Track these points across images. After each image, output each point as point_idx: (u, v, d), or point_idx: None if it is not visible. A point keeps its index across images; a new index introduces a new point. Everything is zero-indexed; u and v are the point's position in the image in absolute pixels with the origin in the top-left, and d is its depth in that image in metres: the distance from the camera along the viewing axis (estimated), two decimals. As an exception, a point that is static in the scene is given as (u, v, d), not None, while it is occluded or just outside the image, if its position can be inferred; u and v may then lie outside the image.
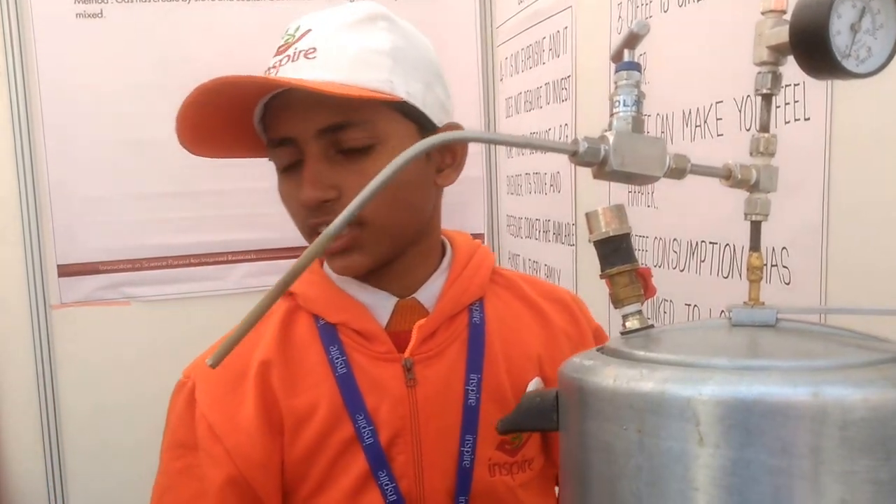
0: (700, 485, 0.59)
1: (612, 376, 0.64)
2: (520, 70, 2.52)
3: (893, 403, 0.59)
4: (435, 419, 1.03)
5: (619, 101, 0.66)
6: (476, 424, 1.03)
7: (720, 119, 1.50)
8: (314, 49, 0.96)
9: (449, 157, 1.05)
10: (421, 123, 1.00)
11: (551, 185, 2.29)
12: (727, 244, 1.48)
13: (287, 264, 2.11)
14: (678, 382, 0.61)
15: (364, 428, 1.00)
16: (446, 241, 1.12)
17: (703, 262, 1.55)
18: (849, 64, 0.65)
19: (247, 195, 2.13)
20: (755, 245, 0.72)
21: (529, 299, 1.14)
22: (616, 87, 0.66)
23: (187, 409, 1.04)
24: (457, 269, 1.08)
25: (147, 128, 2.09)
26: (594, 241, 0.74)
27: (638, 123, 0.67)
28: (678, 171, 0.68)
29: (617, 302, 0.74)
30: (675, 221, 1.64)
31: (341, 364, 1.01)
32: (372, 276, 1.04)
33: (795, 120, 1.29)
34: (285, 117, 0.97)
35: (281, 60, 0.98)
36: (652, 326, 0.74)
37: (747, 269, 0.72)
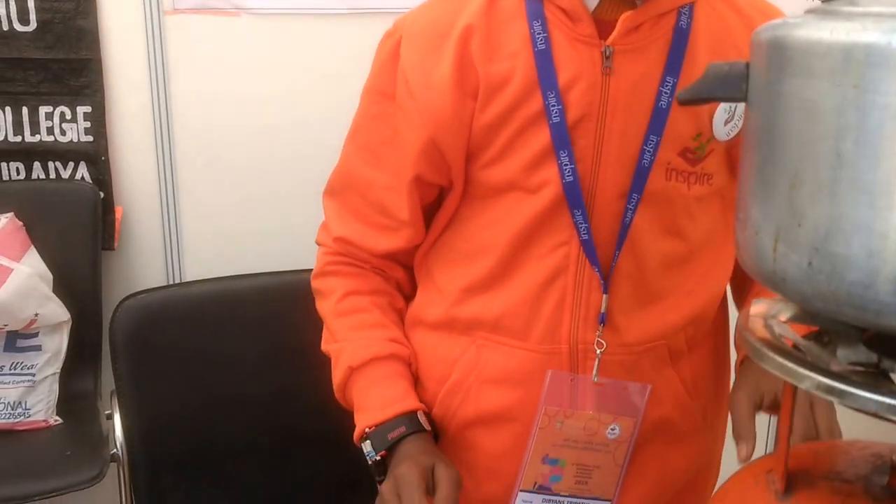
0: (918, 144, 0.55)
1: (827, 29, 0.58)
2: None
3: None
4: (623, 111, 1.03)
5: None
6: (663, 126, 1.03)
7: None
8: None
9: None
10: None
11: None
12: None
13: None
14: (908, 33, 0.55)
15: (553, 106, 1.02)
16: None
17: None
18: None
19: None
20: None
21: (743, 12, 1.09)
22: None
23: (391, 59, 1.10)
24: None
25: None
26: None
27: None
28: None
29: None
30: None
31: (541, 40, 1.02)
32: None
33: None
34: None
35: None
36: (860, -9, 0.67)
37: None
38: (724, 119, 1.06)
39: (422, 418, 1.11)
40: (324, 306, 1.21)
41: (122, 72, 2.04)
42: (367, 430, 1.09)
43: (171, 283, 2.11)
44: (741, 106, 0.94)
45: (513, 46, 1.04)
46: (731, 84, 0.68)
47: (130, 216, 2.10)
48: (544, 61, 1.02)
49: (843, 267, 0.58)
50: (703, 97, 0.70)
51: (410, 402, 1.12)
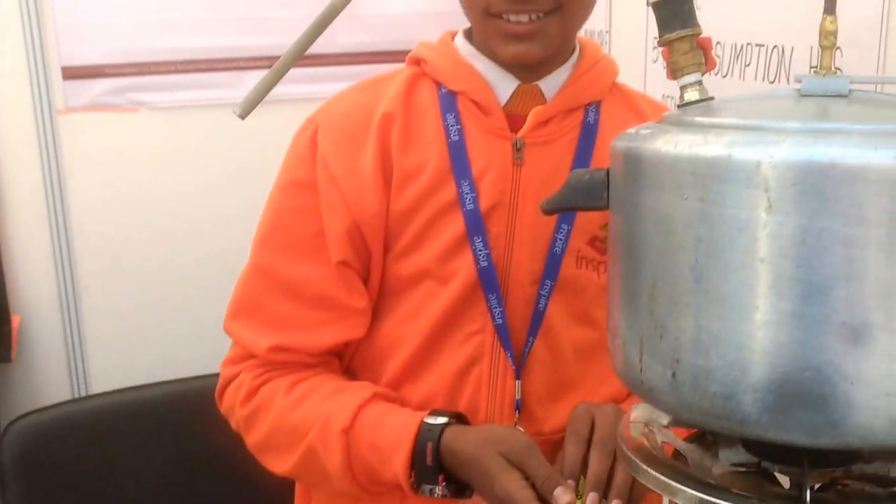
0: (766, 255, 0.55)
1: (672, 143, 0.59)
2: None
3: (979, 170, 0.54)
4: (534, 201, 1.04)
5: None
6: (574, 216, 1.06)
7: None
8: None
9: None
10: None
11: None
12: (775, 46, 1.40)
13: (301, 73, 2.03)
14: (747, 146, 0.56)
15: (467, 193, 1.04)
16: (577, 42, 1.12)
17: (747, 66, 1.48)
18: None
19: None
20: (830, 7, 0.65)
21: (642, 113, 1.14)
22: None
23: (309, 150, 1.08)
24: (583, 67, 1.10)
25: None
26: (652, 3, 0.67)
27: None
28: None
29: (676, 71, 0.68)
30: (719, 23, 1.55)
31: (455, 132, 1.05)
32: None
33: None
34: None
35: None
36: (713, 98, 0.68)
37: (820, 35, 0.66)
38: None
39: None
40: (266, 419, 1.08)
41: (14, 175, 1.99)
42: (407, 463, 0.98)
43: (75, 395, 2.04)
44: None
45: (427, 137, 1.06)
46: (593, 193, 0.68)
47: (29, 325, 2.03)
48: (458, 151, 1.05)
49: (705, 378, 0.58)
50: (566, 206, 0.70)
51: (422, 414, 1.02)
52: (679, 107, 0.68)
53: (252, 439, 1.11)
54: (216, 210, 2.07)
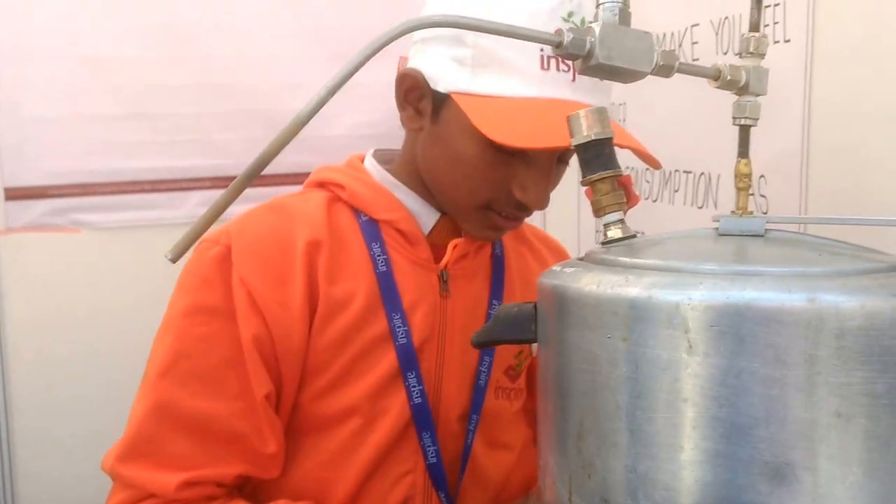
0: (688, 395, 0.56)
1: (595, 282, 0.60)
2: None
3: (891, 312, 0.56)
4: (460, 334, 1.03)
5: (607, -11, 0.61)
6: (494, 347, 1.05)
7: (696, 43, 1.45)
8: None
9: None
10: None
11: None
12: (702, 173, 1.45)
13: (244, 192, 2.04)
14: (666, 287, 0.57)
15: (399, 327, 1.00)
16: None
17: (676, 191, 1.52)
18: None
19: (203, 119, 2.03)
20: (744, 151, 0.68)
21: (531, 243, 1.17)
22: (604, -25, 0.62)
23: (219, 272, 0.97)
24: None
25: (102, 45, 1.98)
26: (575, 146, 0.70)
27: (625, 15, 0.62)
28: (666, 67, 0.64)
29: (598, 210, 0.70)
30: (650, 150, 1.60)
31: (382, 262, 1.01)
32: (423, 187, 1.04)
33: (775, 42, 1.24)
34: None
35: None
36: (634, 236, 0.70)
37: (735, 177, 0.69)
38: None
39: None
40: None
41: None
42: None
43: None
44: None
45: (354, 266, 1.00)
46: (522, 326, 0.69)
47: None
48: (387, 283, 1.01)
49: (633, 519, 0.58)
50: (495, 339, 0.71)
51: None
52: (602, 244, 0.69)
53: None
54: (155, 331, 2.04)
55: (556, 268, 0.67)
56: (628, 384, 0.58)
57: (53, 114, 1.96)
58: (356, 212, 1.03)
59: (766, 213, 1.29)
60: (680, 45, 1.49)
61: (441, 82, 0.94)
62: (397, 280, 1.01)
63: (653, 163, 0.91)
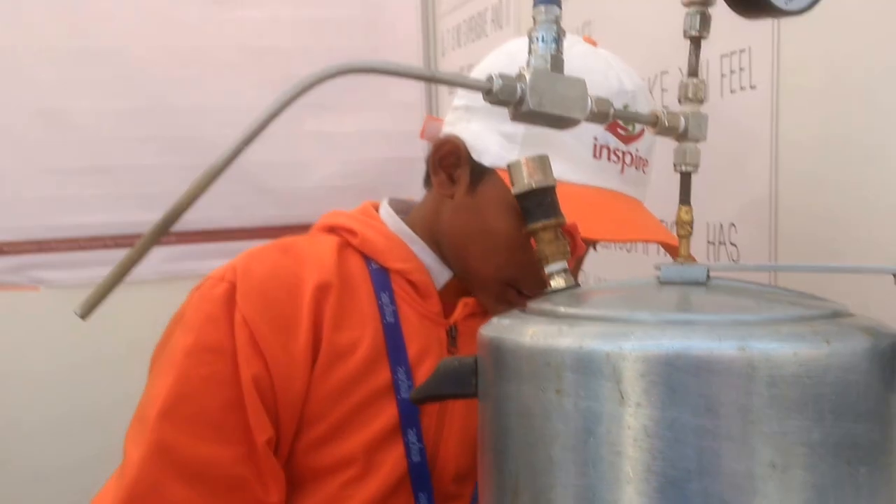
0: (621, 448, 0.55)
1: (529, 333, 0.60)
2: (462, 44, 2.47)
3: (825, 359, 0.55)
4: None
5: (536, 38, 0.61)
6: None
7: (665, 90, 1.46)
8: (646, 163, 0.97)
9: None
10: None
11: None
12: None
13: (211, 248, 2.00)
14: (598, 338, 0.56)
15: (402, 381, 0.97)
16: None
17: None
18: (777, 1, 0.61)
19: (165, 172, 1.95)
20: (685, 198, 0.68)
21: None
22: (534, 23, 0.62)
23: (224, 311, 0.94)
24: None
25: (60, 97, 1.94)
26: (516, 195, 0.70)
27: (557, 62, 0.62)
28: (600, 114, 0.63)
29: (542, 259, 0.69)
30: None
31: (390, 312, 0.99)
32: (437, 245, 1.03)
33: (741, 89, 1.25)
34: None
35: (626, 157, 0.94)
36: (577, 286, 0.69)
37: (676, 224, 0.68)
38: None
39: None
40: None
41: None
42: None
43: None
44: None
45: (361, 313, 0.98)
46: (463, 380, 0.68)
47: None
48: (393, 334, 0.98)
49: (569, 578, 0.56)
50: (434, 394, 0.70)
51: None
52: (545, 294, 0.69)
53: None
54: (120, 392, 1.99)
55: (495, 320, 0.66)
56: (561, 438, 0.57)
57: (8, 166, 1.92)
58: (366, 259, 1.01)
59: (736, 262, 1.28)
60: (650, 90, 1.50)
61: (486, 155, 0.93)
62: (404, 332, 0.99)
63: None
